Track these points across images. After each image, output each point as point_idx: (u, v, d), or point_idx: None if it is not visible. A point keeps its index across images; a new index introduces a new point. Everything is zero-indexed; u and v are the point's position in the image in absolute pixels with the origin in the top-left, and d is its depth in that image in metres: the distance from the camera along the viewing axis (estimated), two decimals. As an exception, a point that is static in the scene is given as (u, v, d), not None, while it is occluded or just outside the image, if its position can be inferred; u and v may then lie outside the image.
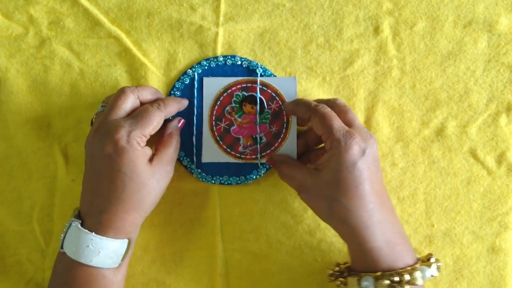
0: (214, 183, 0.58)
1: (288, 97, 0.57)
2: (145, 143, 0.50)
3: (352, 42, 0.59)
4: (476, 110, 0.58)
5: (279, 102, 0.57)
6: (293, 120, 0.57)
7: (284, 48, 0.59)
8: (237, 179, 0.58)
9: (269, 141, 0.57)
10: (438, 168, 0.58)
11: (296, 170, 0.52)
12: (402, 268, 0.48)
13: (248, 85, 0.58)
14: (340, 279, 0.51)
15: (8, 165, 0.59)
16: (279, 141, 0.57)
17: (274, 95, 0.57)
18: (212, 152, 0.57)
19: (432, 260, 0.51)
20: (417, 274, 0.48)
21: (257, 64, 0.58)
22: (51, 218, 0.58)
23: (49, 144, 0.59)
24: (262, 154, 0.57)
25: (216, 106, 0.58)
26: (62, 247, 0.50)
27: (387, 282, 0.47)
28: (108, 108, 0.51)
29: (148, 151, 0.50)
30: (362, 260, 0.49)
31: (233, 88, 0.58)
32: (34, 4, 0.59)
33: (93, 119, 0.53)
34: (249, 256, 0.58)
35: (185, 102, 0.56)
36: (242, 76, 0.58)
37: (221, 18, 0.59)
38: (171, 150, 0.52)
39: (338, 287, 0.52)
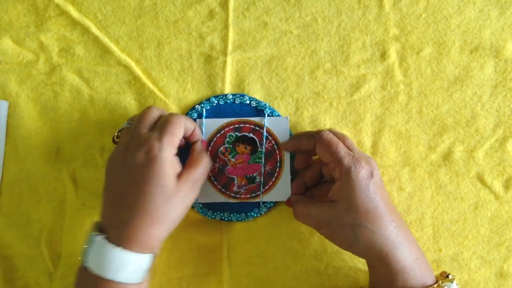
0: (214, 218, 0.59)
1: (280, 137, 0.59)
2: (176, 150, 0.51)
3: (359, 67, 0.60)
4: (483, 135, 0.60)
5: (272, 141, 0.59)
6: (286, 159, 0.59)
7: (292, 74, 0.60)
8: (238, 216, 0.59)
9: (264, 180, 0.59)
10: (446, 192, 0.59)
11: (311, 206, 0.53)
12: (431, 285, 0.49)
13: (241, 125, 0.59)
14: None
15: (17, 189, 0.60)
16: (273, 180, 0.59)
17: (267, 134, 0.59)
18: (207, 192, 0.59)
19: (451, 277, 0.52)
20: None
21: (265, 104, 0.59)
22: (60, 241, 0.59)
23: (58, 169, 0.60)
24: (257, 193, 0.59)
25: (210, 147, 0.59)
26: (85, 262, 0.50)
27: None
28: (136, 121, 0.53)
29: (177, 163, 0.51)
30: (392, 282, 0.50)
31: (226, 129, 0.59)
32: (45, 32, 0.61)
33: (116, 136, 0.55)
34: (256, 281, 0.59)
35: (200, 133, 0.57)
36: (250, 115, 0.59)
37: (230, 47, 0.60)
38: (200, 169, 0.53)
39: None
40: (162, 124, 0.52)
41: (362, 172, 0.50)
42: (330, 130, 0.55)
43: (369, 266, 0.52)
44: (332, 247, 0.59)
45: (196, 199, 0.58)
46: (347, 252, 0.56)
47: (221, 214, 0.59)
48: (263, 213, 0.59)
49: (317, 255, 0.59)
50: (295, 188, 0.58)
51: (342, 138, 0.54)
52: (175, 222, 0.51)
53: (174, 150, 0.51)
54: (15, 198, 0.60)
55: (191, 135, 0.56)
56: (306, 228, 0.59)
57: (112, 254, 0.48)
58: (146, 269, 0.50)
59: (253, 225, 0.59)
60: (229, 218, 0.59)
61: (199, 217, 0.60)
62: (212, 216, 0.59)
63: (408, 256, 0.49)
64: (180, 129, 0.52)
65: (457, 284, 0.51)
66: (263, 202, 0.59)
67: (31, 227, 0.60)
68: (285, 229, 0.59)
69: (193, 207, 0.59)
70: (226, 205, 0.59)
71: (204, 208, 0.59)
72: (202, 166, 0.54)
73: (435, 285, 0.49)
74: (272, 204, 0.59)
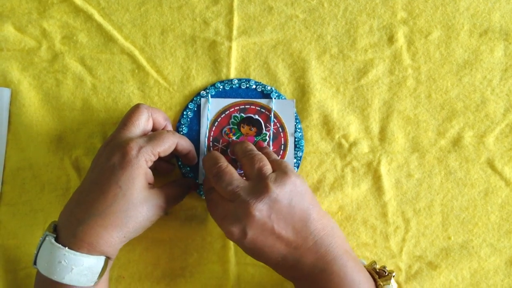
0: None
1: (286, 120, 0.61)
2: (152, 163, 0.53)
3: (366, 52, 0.62)
4: (493, 120, 0.61)
5: (277, 124, 0.61)
6: (290, 142, 0.61)
7: (298, 59, 0.62)
8: None
9: None
10: (455, 179, 0.61)
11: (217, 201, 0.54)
12: None
13: (246, 106, 0.61)
14: None
15: (20, 178, 0.62)
16: None
17: (272, 117, 0.61)
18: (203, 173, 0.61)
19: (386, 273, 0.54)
20: None
21: (271, 88, 0.61)
22: (63, 231, 0.61)
23: (60, 157, 0.62)
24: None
25: (214, 127, 0.61)
26: (35, 263, 0.51)
27: None
28: (122, 123, 0.55)
29: (150, 175, 0.53)
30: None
31: (231, 110, 0.61)
32: (47, 18, 0.62)
33: None
34: (262, 270, 0.61)
35: (195, 156, 0.59)
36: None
37: (234, 32, 0.62)
38: (173, 194, 0.55)
39: None
40: (152, 135, 0.53)
41: (230, 234, 0.51)
42: (245, 150, 0.56)
43: None
44: (339, 235, 0.61)
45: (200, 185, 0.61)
46: (352, 239, 0.59)
47: None
48: None
49: (323, 244, 0.61)
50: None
51: (249, 162, 0.54)
52: (133, 232, 0.51)
53: (150, 162, 0.52)
54: (17, 187, 0.62)
55: (187, 154, 0.58)
56: (313, 216, 0.61)
57: (58, 255, 0.49)
58: (98, 272, 0.50)
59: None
60: None
61: (203, 204, 0.61)
62: None
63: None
64: (166, 146, 0.53)
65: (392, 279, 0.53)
66: None
67: (35, 217, 0.61)
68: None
69: (200, 194, 0.61)
70: None
71: None
72: (176, 192, 0.56)
73: None
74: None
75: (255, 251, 0.51)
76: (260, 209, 0.49)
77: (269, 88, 0.62)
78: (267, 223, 0.50)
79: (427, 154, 0.61)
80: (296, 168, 0.61)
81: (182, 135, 0.58)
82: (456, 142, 0.61)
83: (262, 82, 0.62)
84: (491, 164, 0.61)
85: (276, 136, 0.61)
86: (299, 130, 0.61)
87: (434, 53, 0.62)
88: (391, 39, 0.62)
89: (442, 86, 0.62)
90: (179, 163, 0.62)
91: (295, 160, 0.61)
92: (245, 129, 0.61)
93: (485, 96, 0.61)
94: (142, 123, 0.55)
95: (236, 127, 0.61)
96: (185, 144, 0.56)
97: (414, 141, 0.61)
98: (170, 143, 0.54)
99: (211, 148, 0.61)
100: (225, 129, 0.61)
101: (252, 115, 0.61)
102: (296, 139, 0.61)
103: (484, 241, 0.60)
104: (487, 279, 0.60)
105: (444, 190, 0.61)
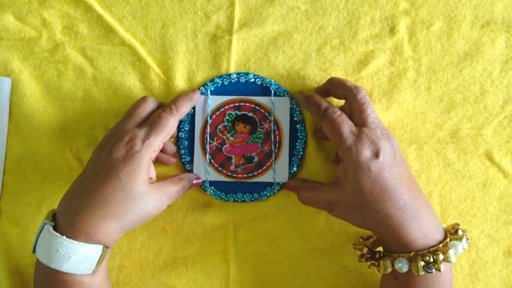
0: (228, 200, 0.62)
1: (281, 117, 0.62)
2: (156, 154, 0.54)
3: (367, 43, 0.63)
4: (491, 112, 0.62)
5: (272, 121, 0.62)
6: (285, 140, 0.62)
7: (298, 51, 0.63)
8: (251, 196, 0.62)
9: (261, 160, 0.62)
10: (453, 170, 0.62)
11: (317, 192, 0.56)
12: (434, 246, 0.52)
13: (241, 104, 0.62)
14: (372, 261, 0.55)
15: (21, 167, 0.63)
16: (271, 160, 0.62)
17: (267, 114, 0.62)
18: (202, 170, 0.62)
19: (460, 232, 0.54)
20: (451, 252, 0.52)
21: (270, 81, 0.62)
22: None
23: (61, 148, 0.63)
24: (254, 173, 0.62)
25: (209, 125, 0.62)
26: (33, 251, 0.52)
27: (422, 263, 0.51)
28: (127, 114, 0.56)
29: (152, 172, 0.55)
30: (396, 246, 0.53)
31: (225, 107, 0.62)
32: (48, 8, 0.63)
33: None
34: (262, 260, 0.62)
35: (196, 96, 0.60)
36: (256, 94, 0.62)
37: (235, 25, 0.63)
38: (174, 189, 0.56)
39: (369, 267, 0.55)
40: (152, 122, 0.54)
41: (363, 153, 0.51)
42: (356, 94, 0.55)
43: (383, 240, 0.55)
44: (338, 226, 0.62)
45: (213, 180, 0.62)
46: (353, 230, 0.60)
47: (234, 196, 0.62)
48: (276, 191, 0.62)
49: (323, 234, 0.62)
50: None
51: (361, 109, 0.55)
52: (130, 225, 0.52)
53: (154, 154, 0.53)
54: (19, 177, 0.63)
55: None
56: (312, 208, 0.60)
57: (56, 243, 0.50)
58: (96, 261, 0.51)
59: (260, 204, 0.62)
60: (243, 199, 0.62)
61: (207, 198, 0.63)
62: (226, 198, 0.62)
63: (415, 232, 0.51)
64: (168, 131, 0.54)
65: (466, 241, 0.53)
66: (276, 182, 0.62)
67: (38, 206, 0.63)
68: (291, 209, 0.62)
69: (205, 189, 0.62)
70: (238, 186, 0.62)
71: (216, 191, 0.62)
72: (177, 187, 0.57)
73: (440, 246, 0.52)
74: (284, 182, 0.62)
75: (382, 173, 0.52)
76: (387, 144, 0.53)
77: (268, 80, 0.62)
78: (396, 155, 0.53)
79: (425, 145, 0.62)
80: (298, 160, 0.62)
81: (178, 103, 0.58)
82: (454, 134, 0.62)
83: (260, 75, 0.62)
84: (489, 156, 0.62)
85: (270, 134, 0.62)
86: (300, 123, 0.62)
87: (435, 44, 0.62)
88: (392, 30, 0.63)
89: (442, 77, 0.62)
90: (181, 153, 0.63)
91: (288, 158, 0.62)
92: (239, 126, 0.62)
93: (485, 88, 0.62)
94: (148, 116, 0.56)
95: (230, 124, 0.62)
96: (185, 109, 0.58)
97: (412, 133, 0.62)
98: (171, 124, 0.55)
99: (206, 145, 0.62)
100: (220, 126, 0.62)
101: (247, 113, 0.62)
102: (298, 131, 0.62)
103: (482, 232, 0.62)
104: (486, 269, 0.61)
105: (442, 182, 0.62)
